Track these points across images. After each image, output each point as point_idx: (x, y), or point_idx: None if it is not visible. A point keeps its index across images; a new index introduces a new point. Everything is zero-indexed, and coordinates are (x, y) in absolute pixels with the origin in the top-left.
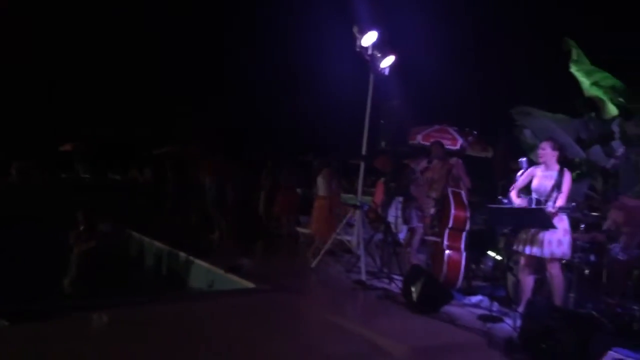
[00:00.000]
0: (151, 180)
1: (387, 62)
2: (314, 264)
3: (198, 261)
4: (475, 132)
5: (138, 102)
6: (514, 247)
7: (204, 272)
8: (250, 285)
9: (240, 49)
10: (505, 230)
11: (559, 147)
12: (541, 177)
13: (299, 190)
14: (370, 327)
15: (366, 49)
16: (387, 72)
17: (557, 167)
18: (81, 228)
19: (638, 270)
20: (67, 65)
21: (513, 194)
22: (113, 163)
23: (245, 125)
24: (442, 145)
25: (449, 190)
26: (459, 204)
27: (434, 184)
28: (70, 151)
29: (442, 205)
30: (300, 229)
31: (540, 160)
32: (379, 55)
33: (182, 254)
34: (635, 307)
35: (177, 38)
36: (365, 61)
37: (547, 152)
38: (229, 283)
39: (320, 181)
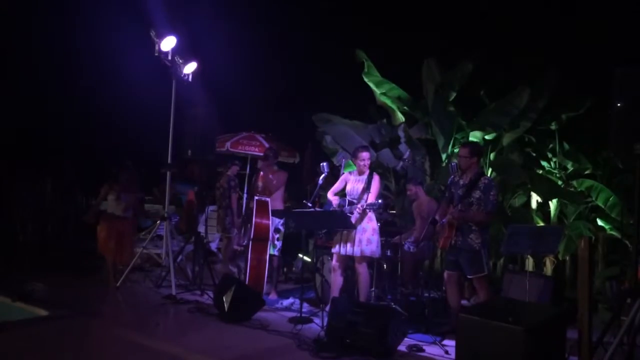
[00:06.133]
0: None
1: (190, 68)
2: (118, 282)
3: None
4: (270, 135)
5: None
6: (332, 249)
7: None
8: (43, 313)
9: (32, 51)
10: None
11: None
12: (353, 182)
13: None
14: (179, 343)
15: (166, 54)
16: (190, 78)
17: (367, 171)
18: None
19: (428, 261)
20: None
21: (330, 195)
22: None
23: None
24: (274, 153)
25: (255, 198)
26: (262, 212)
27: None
28: None
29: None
30: None
31: (361, 168)
32: (180, 61)
33: None
34: (426, 295)
35: None
36: (165, 67)
37: (367, 162)
38: (17, 313)
39: None
